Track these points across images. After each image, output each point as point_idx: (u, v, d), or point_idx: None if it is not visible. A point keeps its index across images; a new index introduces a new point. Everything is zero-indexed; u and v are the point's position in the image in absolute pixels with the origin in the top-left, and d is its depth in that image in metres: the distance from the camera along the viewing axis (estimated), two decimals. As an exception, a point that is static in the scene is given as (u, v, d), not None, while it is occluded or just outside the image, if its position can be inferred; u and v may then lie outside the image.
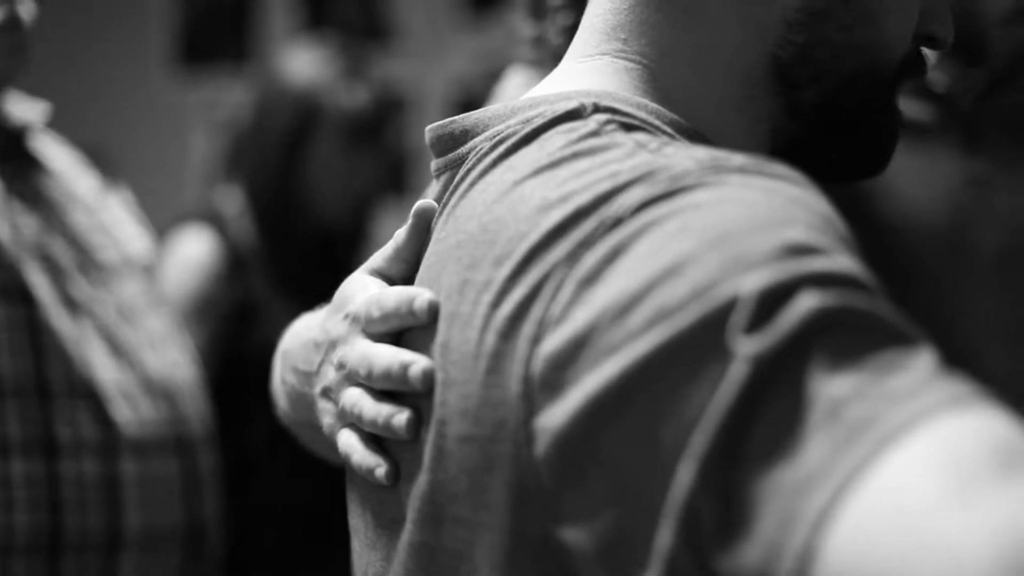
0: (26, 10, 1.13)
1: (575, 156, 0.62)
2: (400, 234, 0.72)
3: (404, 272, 0.72)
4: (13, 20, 1.11)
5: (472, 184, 0.67)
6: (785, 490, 0.47)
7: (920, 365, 0.49)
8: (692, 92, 0.71)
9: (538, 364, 0.57)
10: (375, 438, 0.69)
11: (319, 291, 0.92)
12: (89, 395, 1.14)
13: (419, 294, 0.66)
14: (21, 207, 1.19)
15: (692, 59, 0.71)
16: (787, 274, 0.51)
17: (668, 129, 0.67)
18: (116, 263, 1.25)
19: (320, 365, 0.76)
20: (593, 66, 0.71)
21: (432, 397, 0.63)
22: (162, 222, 1.93)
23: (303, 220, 1.87)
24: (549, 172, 0.62)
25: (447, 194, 0.70)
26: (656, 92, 0.70)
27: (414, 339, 0.67)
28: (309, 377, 0.78)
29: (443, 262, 0.66)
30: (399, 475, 0.67)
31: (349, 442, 0.70)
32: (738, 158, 0.59)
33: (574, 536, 0.56)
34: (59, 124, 1.33)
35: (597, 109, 0.66)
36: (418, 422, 0.65)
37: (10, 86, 1.20)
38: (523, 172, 0.64)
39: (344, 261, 1.78)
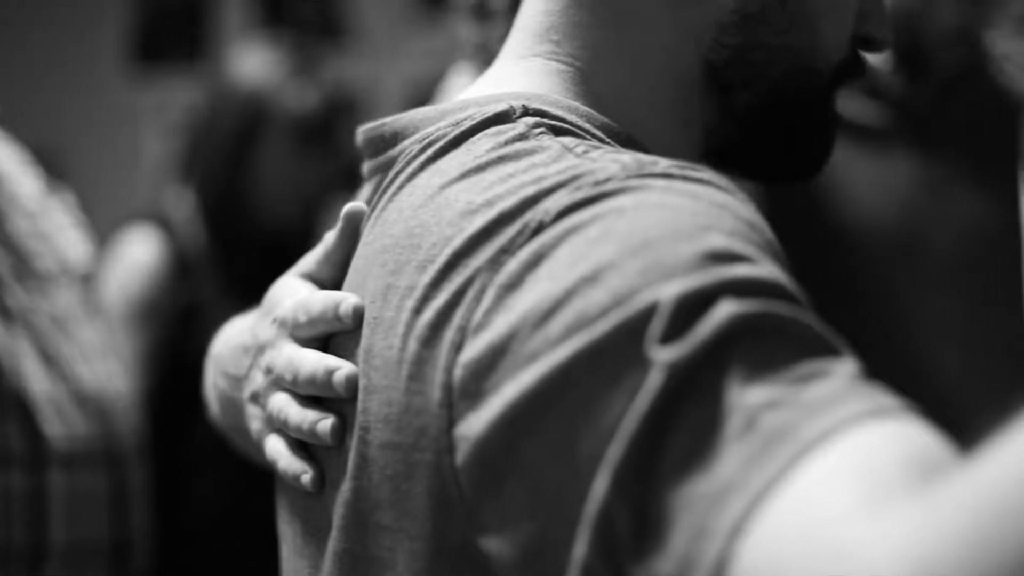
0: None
1: (501, 160, 0.62)
2: (330, 237, 0.72)
3: (333, 275, 0.71)
4: None
5: (400, 187, 0.66)
6: (699, 502, 0.46)
7: (840, 374, 0.48)
8: (624, 94, 0.70)
9: (459, 371, 0.56)
10: (302, 444, 0.68)
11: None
12: (19, 406, 1.12)
13: (344, 299, 0.65)
14: None
15: (625, 62, 0.70)
16: (707, 281, 0.50)
17: (598, 132, 0.66)
18: (54, 271, 1.23)
19: (249, 369, 0.75)
20: (525, 67, 0.71)
21: (356, 403, 0.62)
22: (114, 224, 1.91)
23: (252, 222, 1.85)
24: (475, 176, 0.61)
25: (376, 197, 0.69)
26: (588, 95, 0.69)
27: (341, 344, 0.66)
28: (239, 382, 0.77)
29: (369, 266, 0.65)
30: (325, 482, 0.66)
31: (276, 448, 0.69)
32: (664, 163, 0.58)
33: (494, 545, 0.55)
34: (9, 123, 1.32)
35: (526, 112, 0.65)
36: (343, 428, 0.64)
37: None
38: (450, 176, 0.63)
39: (293, 263, 1.76)
